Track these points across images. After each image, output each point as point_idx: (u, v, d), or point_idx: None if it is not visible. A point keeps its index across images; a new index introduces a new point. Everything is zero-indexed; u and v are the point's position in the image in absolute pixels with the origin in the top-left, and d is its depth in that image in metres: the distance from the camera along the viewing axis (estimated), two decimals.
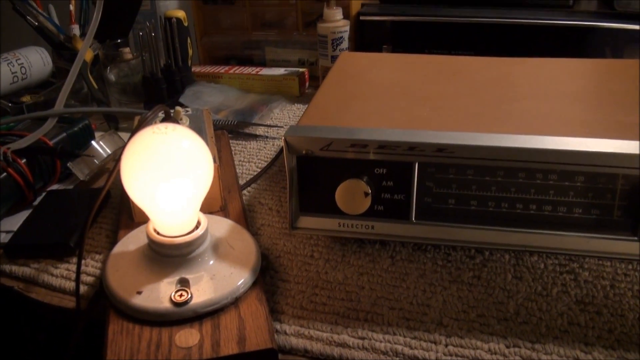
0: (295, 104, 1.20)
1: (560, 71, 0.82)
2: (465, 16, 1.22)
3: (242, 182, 0.87)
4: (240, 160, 0.95)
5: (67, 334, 0.61)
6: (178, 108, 0.79)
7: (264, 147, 1.00)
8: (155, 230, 0.61)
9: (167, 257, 0.61)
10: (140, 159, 0.56)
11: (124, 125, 1.11)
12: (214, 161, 0.71)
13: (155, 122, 0.68)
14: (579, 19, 1.19)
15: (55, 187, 0.88)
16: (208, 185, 0.60)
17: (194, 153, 0.58)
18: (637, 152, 0.55)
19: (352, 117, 0.67)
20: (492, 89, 0.75)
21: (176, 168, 0.56)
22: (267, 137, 1.04)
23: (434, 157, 0.59)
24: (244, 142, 1.03)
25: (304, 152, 0.62)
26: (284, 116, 1.14)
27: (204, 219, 0.63)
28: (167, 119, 0.71)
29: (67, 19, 1.23)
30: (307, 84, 1.27)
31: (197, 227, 0.62)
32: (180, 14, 1.15)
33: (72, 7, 1.23)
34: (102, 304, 0.61)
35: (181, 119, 0.79)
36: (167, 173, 0.56)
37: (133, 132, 0.59)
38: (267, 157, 0.96)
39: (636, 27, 1.15)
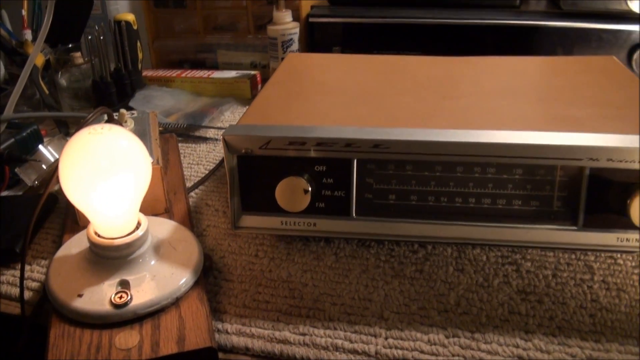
0: (246, 107, 1.19)
1: (505, 69, 0.83)
2: (414, 17, 1.23)
3: (190, 184, 0.87)
4: (189, 163, 0.95)
5: (13, 340, 0.60)
6: (122, 110, 0.79)
7: (214, 150, 1.00)
8: (95, 233, 0.61)
9: (108, 259, 0.60)
10: (75, 160, 0.55)
11: (74, 130, 1.09)
12: (157, 162, 0.71)
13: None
14: (526, 18, 1.20)
15: (4, 193, 0.87)
16: (146, 185, 0.60)
17: (131, 153, 0.58)
18: (575, 143, 0.57)
19: (293, 116, 0.68)
20: (434, 86, 0.76)
21: (112, 168, 0.56)
22: (217, 139, 1.04)
23: (371, 153, 0.60)
24: (193, 145, 1.02)
25: (243, 151, 0.62)
26: (235, 119, 1.13)
27: (144, 220, 0.63)
28: (111, 121, 0.71)
29: (19, 24, 1.22)
30: (259, 86, 1.27)
31: (137, 228, 0.62)
32: (130, 17, 1.15)
33: (24, 12, 1.22)
34: (46, 309, 0.61)
35: (125, 122, 0.79)
36: (103, 173, 0.55)
37: (72, 134, 0.59)
38: (216, 159, 0.95)
39: (583, 25, 1.17)
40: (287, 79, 0.82)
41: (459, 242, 0.65)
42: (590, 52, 1.18)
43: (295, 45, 1.22)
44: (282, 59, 1.21)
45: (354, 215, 0.64)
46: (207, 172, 0.91)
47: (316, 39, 1.31)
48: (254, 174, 0.64)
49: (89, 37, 1.09)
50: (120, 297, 0.57)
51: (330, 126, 0.62)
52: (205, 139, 1.05)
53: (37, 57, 1.02)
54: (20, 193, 0.88)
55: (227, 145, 0.62)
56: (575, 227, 0.60)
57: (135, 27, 1.15)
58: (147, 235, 0.62)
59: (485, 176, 0.60)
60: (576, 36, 1.18)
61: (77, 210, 0.72)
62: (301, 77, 0.83)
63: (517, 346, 0.55)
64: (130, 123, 0.80)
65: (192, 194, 0.85)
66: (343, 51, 1.27)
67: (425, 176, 0.61)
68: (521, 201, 0.61)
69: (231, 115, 1.15)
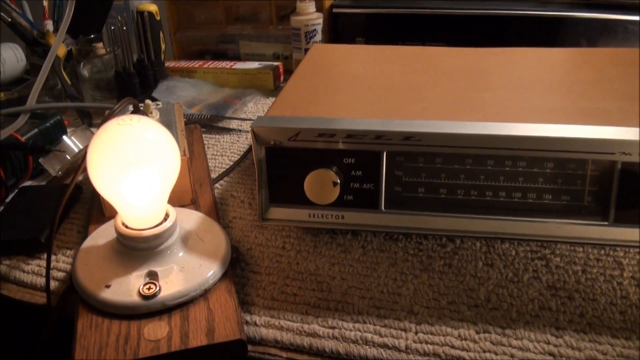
0: (270, 98, 1.19)
1: (532, 61, 0.82)
2: (438, 8, 1.22)
3: (214, 175, 0.87)
4: (213, 154, 0.95)
5: (38, 330, 0.60)
6: (148, 101, 0.79)
7: (237, 141, 0.99)
8: (123, 224, 0.61)
9: (136, 250, 0.60)
10: (105, 151, 0.55)
11: (97, 120, 1.10)
12: (184, 154, 0.71)
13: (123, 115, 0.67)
14: (552, 9, 1.19)
15: (27, 183, 0.87)
16: (175, 176, 0.60)
17: (160, 144, 0.57)
18: (608, 137, 0.56)
19: (321, 107, 0.67)
20: (462, 78, 0.75)
21: (141, 159, 0.56)
22: (240, 130, 1.04)
23: (401, 145, 0.59)
24: (217, 136, 1.02)
25: (272, 142, 0.62)
26: (258, 110, 1.13)
27: (172, 211, 0.62)
28: (136, 112, 0.71)
29: (40, 15, 1.22)
30: (281, 77, 1.27)
31: (165, 219, 0.61)
32: (153, 7, 1.15)
33: (45, 3, 1.22)
34: (72, 300, 0.61)
35: (151, 112, 0.79)
36: (133, 164, 0.55)
37: (100, 125, 0.58)
38: (240, 151, 0.95)
39: (609, 16, 1.16)
40: (313, 70, 0.82)
41: (489, 237, 0.64)
42: (616, 43, 1.17)
43: (319, 36, 1.21)
44: (306, 50, 1.21)
45: (382, 208, 0.63)
46: (231, 163, 0.91)
47: (340, 29, 1.30)
48: (282, 165, 0.63)
49: (112, 28, 1.08)
50: (149, 288, 0.57)
51: (360, 118, 0.61)
52: (228, 130, 1.04)
53: (59, 47, 1.02)
54: (43, 183, 0.88)
55: (256, 137, 0.62)
56: (606, 223, 0.59)
57: (158, 18, 1.15)
58: (175, 227, 0.62)
59: (516, 169, 0.60)
60: (602, 27, 1.17)
61: (103, 200, 0.72)
62: (327, 69, 0.82)
63: (548, 342, 0.54)
64: (156, 114, 0.80)
65: (217, 185, 0.84)
66: (367, 42, 1.27)
67: (455, 169, 0.61)
68: (552, 195, 0.60)
69: (254, 107, 1.14)
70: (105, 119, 0.60)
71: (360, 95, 0.70)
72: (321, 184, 0.62)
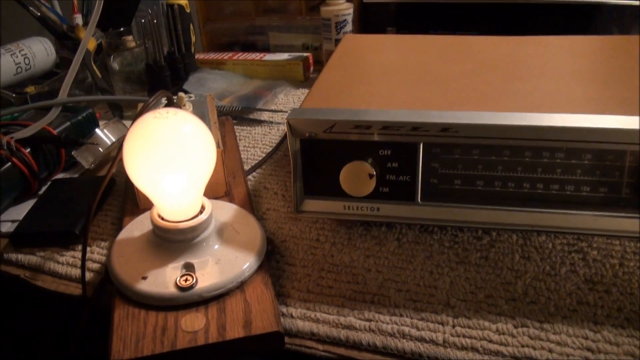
0: (300, 89, 1.19)
1: (566, 49, 0.81)
2: None
3: (247, 167, 0.87)
4: (245, 146, 0.95)
5: (73, 321, 0.61)
6: (181, 94, 0.79)
7: (269, 132, 0.99)
8: (159, 216, 0.61)
9: (172, 242, 0.61)
10: (142, 144, 0.55)
11: (128, 113, 1.10)
12: (218, 146, 0.71)
13: (158, 108, 0.67)
14: None
15: (60, 176, 0.88)
16: (211, 169, 0.60)
17: (196, 137, 0.57)
18: None
19: (356, 99, 0.67)
20: (497, 68, 0.74)
21: (178, 152, 0.56)
22: (271, 122, 1.04)
23: (438, 137, 0.59)
24: (248, 128, 1.02)
25: (307, 134, 0.62)
26: (289, 101, 1.13)
27: (208, 203, 0.63)
28: (170, 104, 0.71)
29: (69, 9, 1.23)
30: (311, 68, 1.27)
31: (201, 212, 0.62)
32: (183, 0, 1.15)
33: None
34: (107, 291, 0.61)
35: (184, 105, 0.79)
36: (170, 158, 0.55)
37: (135, 118, 0.59)
38: (272, 142, 0.95)
39: None
40: (345, 61, 0.81)
41: (526, 229, 0.63)
42: None
43: (349, 26, 1.21)
44: (336, 40, 1.20)
45: (419, 200, 0.63)
46: (263, 155, 0.91)
47: (370, 19, 1.29)
48: (317, 157, 0.63)
49: (142, 21, 1.09)
50: (186, 280, 0.57)
51: (396, 109, 0.61)
52: (260, 122, 1.04)
53: (89, 41, 1.02)
54: (75, 175, 0.89)
55: (291, 129, 0.62)
56: None
57: (188, 11, 1.16)
58: (211, 219, 0.62)
59: (554, 161, 0.59)
60: (635, 14, 1.15)
61: (138, 192, 0.72)
62: (360, 59, 0.82)
63: (587, 337, 0.54)
64: (189, 106, 0.80)
65: (250, 177, 0.85)
66: (398, 32, 1.26)
67: (492, 161, 0.60)
68: (589, 187, 0.59)
69: (285, 98, 1.14)
70: (140, 112, 0.60)
71: (395, 86, 0.70)
72: (357, 176, 0.61)
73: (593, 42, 0.84)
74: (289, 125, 0.62)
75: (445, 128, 0.58)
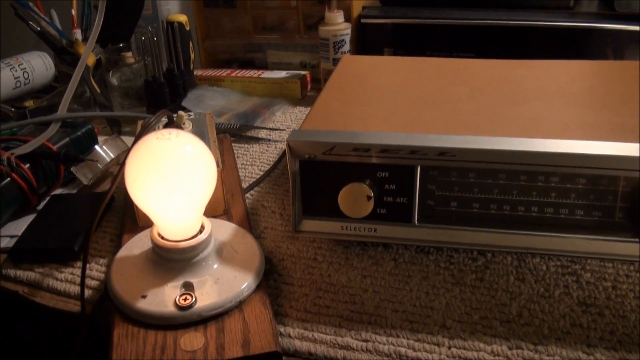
0: (297, 107, 1.20)
1: (561, 73, 0.82)
2: (466, 18, 1.22)
3: (245, 185, 0.88)
4: (243, 164, 0.95)
5: (72, 338, 0.61)
6: (181, 113, 0.79)
7: (267, 150, 1.00)
8: (159, 235, 0.62)
9: (172, 261, 0.61)
10: (144, 165, 0.56)
11: (127, 129, 1.11)
12: (217, 165, 0.71)
13: (159, 127, 0.68)
14: (579, 20, 1.19)
15: (58, 191, 0.88)
16: (212, 189, 0.61)
17: (198, 158, 0.58)
18: (638, 154, 0.56)
19: (355, 120, 0.68)
20: (493, 91, 0.75)
21: (180, 174, 0.57)
22: (269, 140, 1.04)
23: (435, 160, 0.60)
24: (246, 146, 1.03)
25: (306, 156, 0.63)
26: (286, 119, 1.14)
27: (207, 223, 0.63)
28: (170, 124, 0.72)
29: (69, 24, 1.24)
30: (309, 86, 1.28)
31: (200, 231, 0.62)
32: (182, 18, 1.16)
33: (74, 12, 1.23)
34: (106, 308, 0.62)
35: (184, 124, 0.80)
36: (172, 179, 0.56)
37: (137, 137, 0.59)
38: (269, 160, 0.96)
39: (637, 28, 1.15)
40: (344, 82, 0.82)
41: (521, 251, 0.64)
42: None
43: (347, 46, 1.22)
44: (334, 59, 1.21)
45: (416, 222, 0.63)
46: (261, 173, 0.92)
47: (367, 39, 1.30)
48: (316, 178, 0.64)
49: (142, 38, 1.10)
50: (185, 299, 0.58)
51: (395, 132, 0.62)
52: (257, 140, 1.05)
53: (89, 56, 1.03)
54: (74, 191, 0.89)
55: (291, 150, 0.62)
56: (637, 239, 0.59)
57: (187, 28, 1.17)
58: (211, 238, 0.63)
59: (549, 185, 0.60)
60: (630, 39, 1.16)
61: (138, 210, 0.72)
62: (359, 81, 0.83)
63: None
64: (189, 125, 0.81)
65: (248, 195, 0.85)
66: (395, 52, 1.27)
67: (488, 184, 0.61)
68: (583, 211, 0.60)
69: (282, 116, 1.15)
70: (142, 132, 0.61)
71: (393, 108, 0.71)
72: (355, 198, 0.62)
73: (588, 67, 0.85)
74: (289, 147, 0.62)
75: (443, 152, 0.59)
